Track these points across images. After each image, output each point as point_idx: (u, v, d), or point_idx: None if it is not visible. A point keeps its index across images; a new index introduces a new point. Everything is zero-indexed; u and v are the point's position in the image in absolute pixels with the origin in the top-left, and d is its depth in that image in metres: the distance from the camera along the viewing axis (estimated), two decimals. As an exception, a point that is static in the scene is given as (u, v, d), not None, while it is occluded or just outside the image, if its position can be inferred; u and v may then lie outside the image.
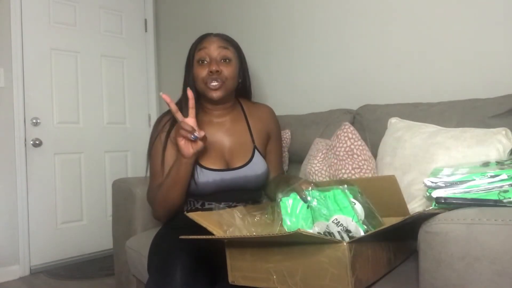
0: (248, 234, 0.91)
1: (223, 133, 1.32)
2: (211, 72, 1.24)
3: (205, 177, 1.22)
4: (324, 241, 0.79)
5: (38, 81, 2.52)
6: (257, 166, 1.29)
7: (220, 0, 2.51)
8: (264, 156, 1.35)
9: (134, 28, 2.97)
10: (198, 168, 1.23)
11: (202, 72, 1.26)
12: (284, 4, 2.12)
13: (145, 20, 3.01)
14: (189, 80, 1.31)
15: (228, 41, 1.31)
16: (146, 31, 3.02)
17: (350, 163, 1.32)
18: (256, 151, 1.31)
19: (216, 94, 1.26)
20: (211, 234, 0.92)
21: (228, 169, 1.26)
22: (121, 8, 2.90)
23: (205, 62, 1.27)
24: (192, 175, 1.22)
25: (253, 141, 1.33)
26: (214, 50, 1.26)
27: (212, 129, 1.31)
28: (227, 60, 1.27)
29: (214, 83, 1.25)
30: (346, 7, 1.84)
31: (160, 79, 3.07)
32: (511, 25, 1.36)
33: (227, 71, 1.26)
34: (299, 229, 0.72)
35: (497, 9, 1.39)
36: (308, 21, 2.01)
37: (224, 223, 0.95)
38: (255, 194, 1.34)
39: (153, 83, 3.03)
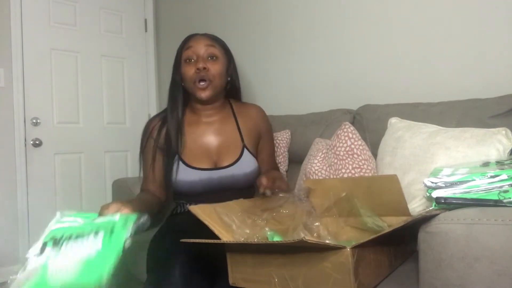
0: (247, 239, 0.91)
1: (211, 133, 1.32)
2: (198, 69, 1.25)
3: (190, 175, 1.23)
4: (327, 247, 0.79)
5: (38, 81, 2.52)
6: (246, 165, 1.29)
7: (220, 0, 2.51)
8: (255, 155, 1.35)
9: (134, 28, 2.97)
10: (181, 165, 1.24)
11: (189, 71, 1.27)
12: (284, 4, 2.12)
13: (145, 20, 3.01)
14: (177, 79, 1.32)
15: (215, 40, 1.33)
16: (146, 31, 3.01)
17: (350, 163, 1.32)
18: (245, 150, 1.32)
19: (204, 94, 1.28)
20: (212, 233, 0.91)
21: (216, 168, 1.26)
22: (121, 8, 2.89)
23: (192, 60, 1.28)
24: (172, 173, 1.25)
25: (242, 140, 1.33)
26: (200, 48, 1.28)
27: (200, 129, 1.32)
28: (214, 58, 1.29)
29: (202, 83, 1.26)
30: (346, 7, 1.84)
31: (160, 79, 3.07)
32: (511, 25, 1.36)
33: (214, 68, 1.27)
34: (304, 237, 0.72)
35: (497, 9, 1.39)
36: (307, 21, 2.01)
37: (225, 216, 0.95)
38: (245, 194, 1.33)
39: (153, 83, 3.03)
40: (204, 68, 1.25)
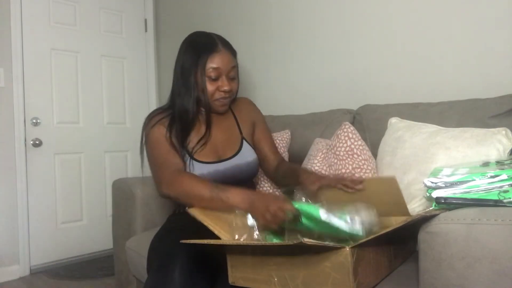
0: (246, 239, 0.91)
1: (215, 129, 1.36)
2: (224, 91, 1.29)
3: (200, 169, 1.25)
4: (326, 247, 0.78)
5: (38, 81, 2.52)
6: (247, 155, 1.35)
7: (220, 0, 2.51)
8: (252, 145, 1.41)
9: (134, 28, 2.97)
10: (194, 162, 1.25)
11: (211, 87, 1.29)
12: (284, 4, 2.12)
13: (145, 20, 3.01)
14: (190, 86, 1.29)
15: (235, 55, 1.34)
16: (146, 31, 3.02)
17: (350, 163, 1.32)
18: (244, 141, 1.38)
19: (223, 109, 1.35)
20: (212, 232, 0.91)
21: (220, 160, 1.30)
22: (121, 8, 2.89)
23: (216, 78, 1.29)
24: (186, 169, 1.25)
25: (241, 132, 1.39)
26: (226, 69, 1.28)
27: (204, 127, 1.33)
28: (234, 77, 1.33)
29: (224, 101, 1.32)
30: (346, 7, 1.84)
31: (160, 79, 3.07)
32: (511, 25, 1.36)
33: (235, 87, 1.34)
34: (303, 239, 0.72)
35: (497, 9, 1.39)
36: (308, 21, 2.01)
37: (224, 215, 0.95)
38: (248, 185, 1.38)
39: (153, 83, 3.03)
40: (230, 90, 1.31)
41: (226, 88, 1.28)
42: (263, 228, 0.95)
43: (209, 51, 1.28)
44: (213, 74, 1.27)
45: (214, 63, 1.27)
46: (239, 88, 1.41)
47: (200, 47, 1.30)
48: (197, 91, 1.29)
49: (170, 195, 1.16)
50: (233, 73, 1.31)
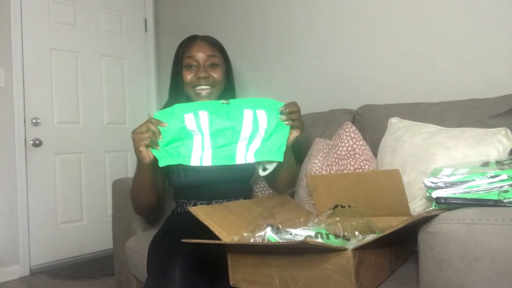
0: (248, 239, 0.91)
1: None
2: (198, 78, 1.28)
3: (193, 167, 1.25)
4: (328, 248, 0.79)
5: (38, 81, 2.52)
6: None
7: (220, 0, 2.51)
8: None
9: (134, 28, 2.97)
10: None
11: (189, 75, 1.30)
12: (284, 3, 2.12)
13: (145, 20, 3.01)
14: (178, 83, 1.33)
15: (215, 46, 1.35)
16: (146, 31, 3.02)
17: (352, 163, 1.32)
18: None
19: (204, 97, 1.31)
20: (212, 232, 0.91)
21: None
22: (121, 8, 2.90)
23: (193, 67, 1.31)
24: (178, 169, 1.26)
25: None
26: (202, 57, 1.30)
27: None
28: (215, 66, 1.32)
29: (204, 90, 1.29)
30: (346, 6, 1.84)
31: (160, 79, 3.07)
32: (511, 25, 1.36)
33: (216, 74, 1.31)
34: (305, 238, 0.72)
35: (497, 9, 1.39)
36: (307, 20, 2.01)
37: (225, 216, 0.95)
38: (245, 188, 1.38)
39: (153, 83, 3.03)
40: (206, 77, 1.29)
41: (201, 74, 1.28)
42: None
43: (186, 44, 1.34)
44: (189, 63, 1.30)
45: (189, 52, 1.31)
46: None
47: (181, 43, 1.36)
48: (181, 83, 1.32)
49: (134, 207, 1.31)
50: (211, 61, 1.30)
